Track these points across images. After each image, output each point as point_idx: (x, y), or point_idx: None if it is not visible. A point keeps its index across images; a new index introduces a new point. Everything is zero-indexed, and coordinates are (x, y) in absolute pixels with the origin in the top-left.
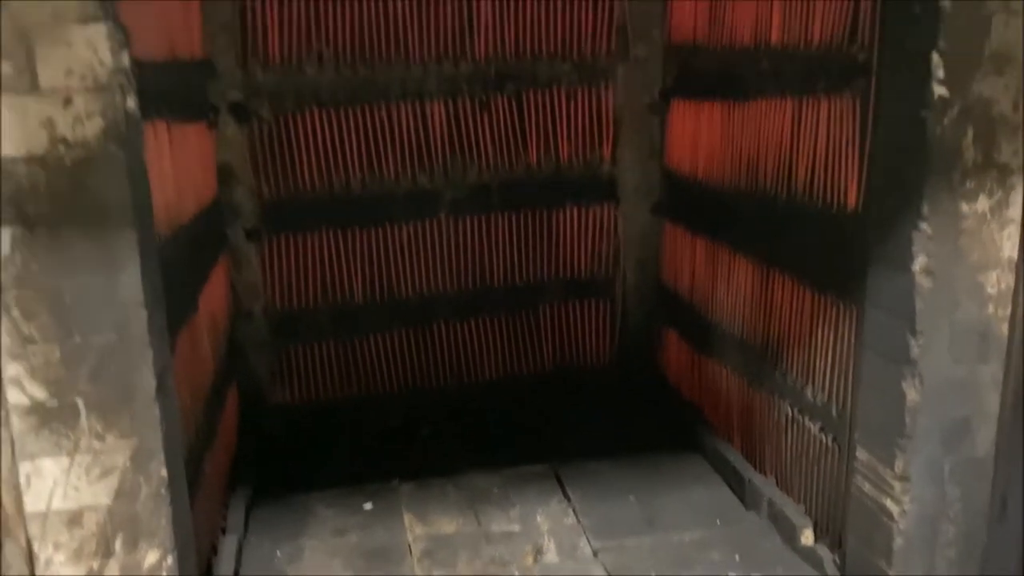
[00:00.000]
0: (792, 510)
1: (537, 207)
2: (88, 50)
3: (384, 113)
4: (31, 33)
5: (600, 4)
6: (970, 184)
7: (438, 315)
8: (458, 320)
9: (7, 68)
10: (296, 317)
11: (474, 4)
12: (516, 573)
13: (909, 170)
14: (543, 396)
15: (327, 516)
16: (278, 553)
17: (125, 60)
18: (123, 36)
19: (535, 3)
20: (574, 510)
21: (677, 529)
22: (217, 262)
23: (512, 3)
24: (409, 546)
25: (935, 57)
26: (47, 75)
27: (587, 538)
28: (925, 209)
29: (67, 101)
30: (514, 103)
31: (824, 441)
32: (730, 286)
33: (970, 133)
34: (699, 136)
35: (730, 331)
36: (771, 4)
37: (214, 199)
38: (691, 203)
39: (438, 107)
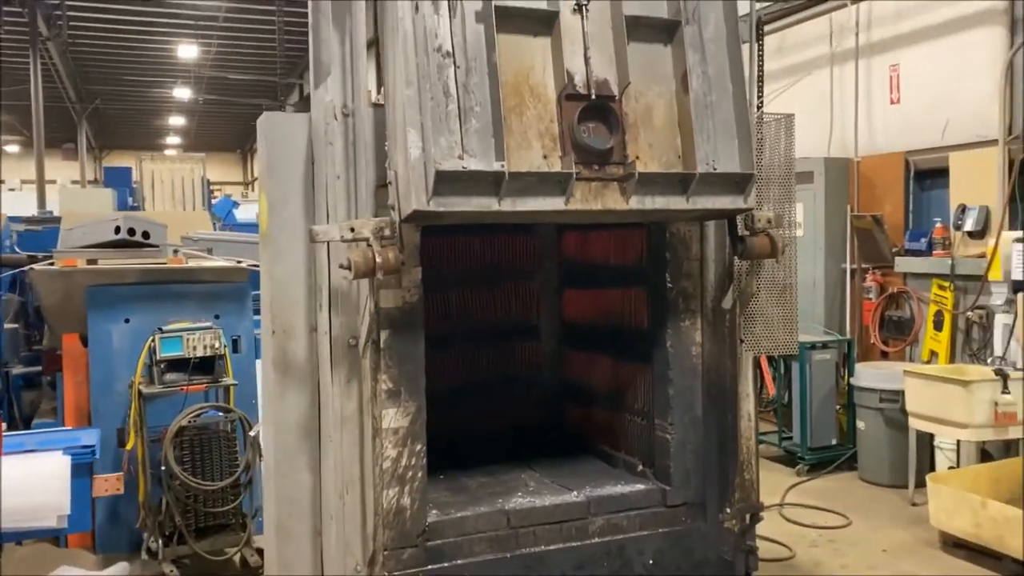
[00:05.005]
0: (632, 461)
1: (505, 341)
2: (416, 274)
3: (438, 298)
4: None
5: (529, 243)
6: (684, 316)
7: (457, 394)
8: (465, 397)
9: (391, 281)
10: None
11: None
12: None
13: (660, 312)
14: (509, 439)
15: None
16: None
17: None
18: (419, 264)
19: (500, 246)
20: (538, 473)
21: (584, 476)
22: None
23: (489, 246)
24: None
25: (667, 275)
26: (405, 283)
27: (544, 480)
28: (668, 324)
29: (408, 290)
30: (493, 291)
31: (644, 423)
32: (599, 371)
33: (680, 299)
34: (580, 305)
35: (600, 393)
36: (610, 242)
37: None
38: (578, 336)
39: (456, 296)
